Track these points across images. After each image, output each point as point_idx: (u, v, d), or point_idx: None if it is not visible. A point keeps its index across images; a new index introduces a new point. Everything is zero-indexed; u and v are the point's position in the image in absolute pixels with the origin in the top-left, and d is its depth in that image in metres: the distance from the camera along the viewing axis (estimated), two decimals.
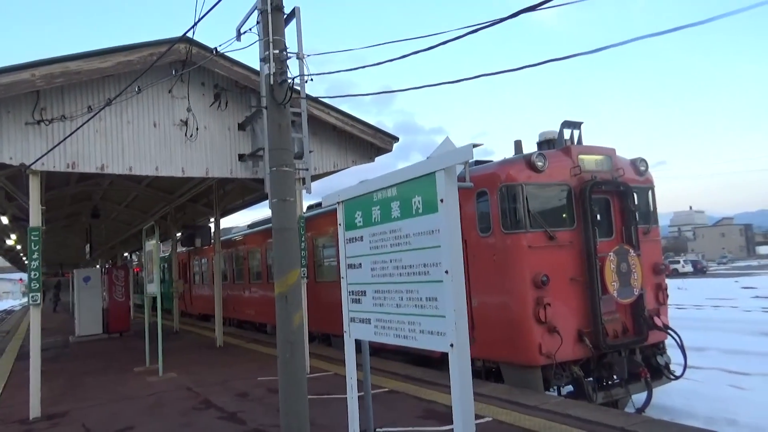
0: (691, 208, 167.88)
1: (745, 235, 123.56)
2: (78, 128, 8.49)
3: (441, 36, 4.81)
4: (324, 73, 6.10)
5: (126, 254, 38.41)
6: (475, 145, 3.33)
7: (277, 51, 5.70)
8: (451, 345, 3.38)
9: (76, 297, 20.02)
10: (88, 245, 25.88)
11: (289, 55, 5.83)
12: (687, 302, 27.57)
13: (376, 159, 11.81)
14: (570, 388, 8.58)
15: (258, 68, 7.10)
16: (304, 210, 13.00)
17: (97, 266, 34.06)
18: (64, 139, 8.43)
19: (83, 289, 19.28)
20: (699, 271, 63.90)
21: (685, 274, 59.91)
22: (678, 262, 66.59)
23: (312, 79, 6.04)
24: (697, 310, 24.15)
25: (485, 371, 9.13)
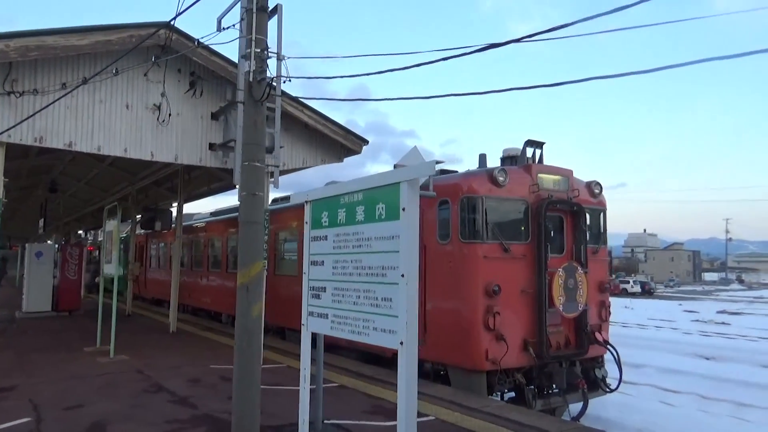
0: (645, 230, 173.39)
1: (693, 261, 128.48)
2: (50, 104, 8.46)
3: (422, 55, 5.13)
4: (303, 77, 6.32)
5: (80, 232, 37.52)
6: (437, 162, 3.63)
7: (258, 50, 5.89)
8: (401, 343, 3.67)
9: (26, 272, 19.55)
10: (42, 219, 25.25)
11: (269, 54, 6.02)
12: (632, 321, 28.70)
13: (345, 159, 12.06)
14: (512, 394, 9.01)
15: (236, 59, 7.26)
16: (269, 203, 13.13)
17: (50, 242, 33.20)
18: (35, 114, 8.39)
19: (34, 264, 18.85)
20: (646, 292, 66.23)
21: (633, 294, 62.04)
22: (628, 282, 68.88)
23: (290, 80, 6.24)
24: (640, 329, 25.18)
25: (433, 373, 9.47)
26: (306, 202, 4.96)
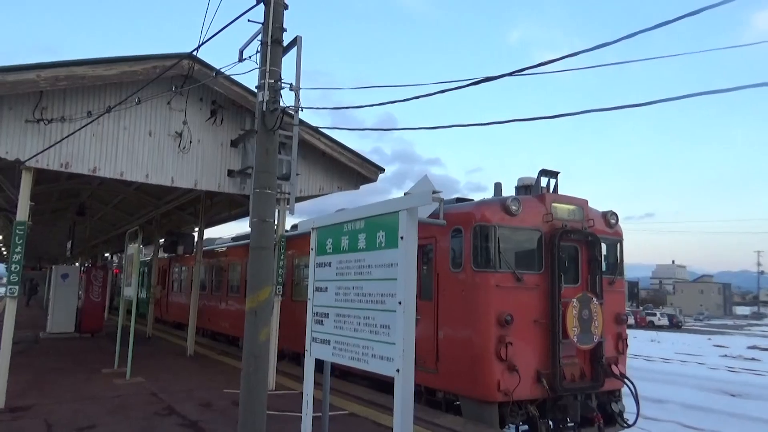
0: (673, 262, 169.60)
1: (723, 294, 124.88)
2: (76, 131, 8.79)
3: (442, 85, 5.27)
4: (312, 108, 6.49)
5: (107, 254, 38.26)
6: (434, 192, 3.70)
7: (272, 81, 6.08)
8: (398, 370, 3.69)
9: (51, 293, 19.97)
10: (70, 242, 25.87)
11: (283, 85, 6.21)
12: (657, 355, 27.97)
13: (366, 186, 12.20)
14: (526, 427, 8.84)
15: (255, 89, 7.47)
16: (288, 229, 13.29)
17: (76, 264, 33.92)
18: (62, 140, 8.72)
19: (60, 286, 19.25)
20: (674, 325, 64.53)
21: (660, 327, 60.49)
22: (654, 314, 67.25)
23: (303, 109, 6.41)
24: (664, 363, 24.52)
25: (446, 403, 9.37)
26: (312, 229, 5.06)
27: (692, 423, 12.57)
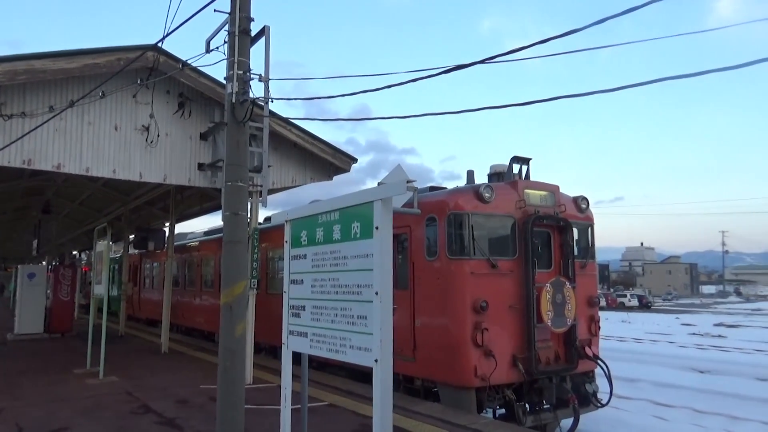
0: (642, 244, 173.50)
1: (690, 274, 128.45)
2: (38, 126, 8.53)
3: (415, 73, 5.26)
4: (283, 99, 6.40)
5: (75, 252, 37.41)
6: (409, 181, 3.70)
7: (240, 72, 5.98)
8: (376, 360, 3.69)
9: (18, 293, 19.47)
10: (36, 241, 25.19)
11: (252, 76, 6.11)
12: (628, 335, 28.64)
13: (341, 177, 12.14)
14: (503, 411, 8.97)
15: (224, 81, 7.34)
16: (261, 221, 13.16)
17: (43, 263, 33.10)
18: (23, 136, 8.45)
19: (27, 286, 18.78)
20: (644, 305, 66.20)
21: (630, 308, 61.95)
22: (625, 296, 68.84)
23: (273, 101, 6.32)
24: (636, 344, 25.13)
25: (424, 390, 9.44)
26: (286, 221, 5.01)
27: (663, 400, 12.91)
